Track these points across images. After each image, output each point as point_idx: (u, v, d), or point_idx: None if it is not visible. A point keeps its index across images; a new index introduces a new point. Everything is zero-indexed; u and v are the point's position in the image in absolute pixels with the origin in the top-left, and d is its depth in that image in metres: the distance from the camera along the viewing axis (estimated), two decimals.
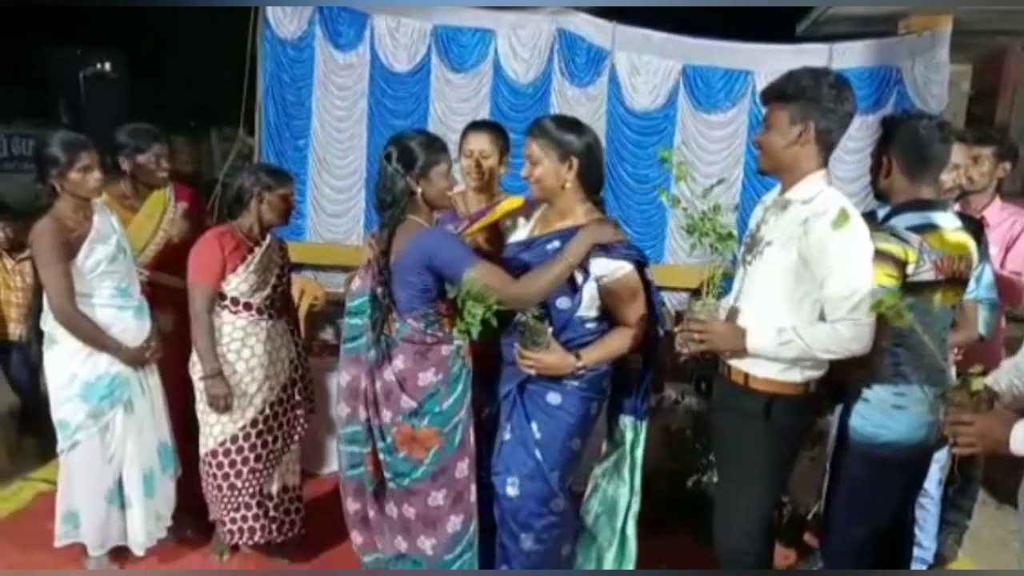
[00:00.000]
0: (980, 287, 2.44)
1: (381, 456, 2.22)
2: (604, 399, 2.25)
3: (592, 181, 2.15)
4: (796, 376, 1.94)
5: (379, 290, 2.15)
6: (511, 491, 2.15)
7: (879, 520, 2.08)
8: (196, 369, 2.60)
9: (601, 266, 2.09)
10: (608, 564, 2.28)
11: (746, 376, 1.98)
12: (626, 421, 2.28)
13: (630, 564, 2.28)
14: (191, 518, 2.89)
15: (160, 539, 2.78)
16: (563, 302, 2.12)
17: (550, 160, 2.08)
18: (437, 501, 2.14)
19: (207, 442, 2.64)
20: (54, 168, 2.44)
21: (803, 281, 1.87)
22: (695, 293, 2.61)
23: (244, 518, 2.68)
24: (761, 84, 5.60)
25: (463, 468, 2.16)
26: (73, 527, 2.67)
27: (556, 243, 2.13)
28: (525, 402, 2.17)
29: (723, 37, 5.69)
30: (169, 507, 2.80)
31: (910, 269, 1.91)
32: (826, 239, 1.81)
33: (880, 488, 2.05)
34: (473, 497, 2.17)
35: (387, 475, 2.22)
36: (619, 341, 2.16)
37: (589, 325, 2.16)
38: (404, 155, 2.10)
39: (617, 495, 2.28)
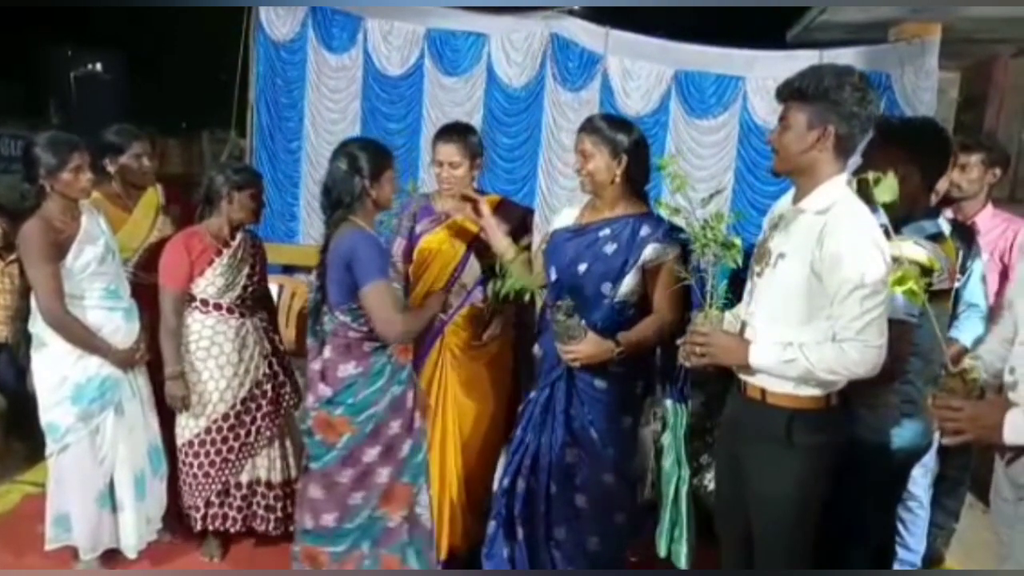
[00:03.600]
0: (968, 294, 2.45)
1: (304, 438, 2.39)
2: (647, 380, 2.37)
3: (639, 176, 2.29)
4: (816, 389, 1.82)
5: (317, 284, 2.33)
6: (571, 460, 2.30)
7: (874, 522, 2.08)
8: None
9: (651, 251, 2.21)
10: (666, 525, 2.38)
11: (763, 392, 1.86)
12: (667, 404, 2.38)
13: (683, 523, 2.36)
14: (178, 520, 2.88)
15: (151, 542, 2.77)
16: (606, 288, 2.24)
17: (602, 156, 2.22)
18: (343, 479, 2.30)
19: (183, 434, 2.71)
20: (45, 168, 2.42)
21: (815, 297, 1.75)
22: None
23: (211, 505, 2.74)
24: (752, 89, 5.65)
25: (372, 454, 2.30)
26: (64, 530, 2.65)
27: (607, 230, 2.26)
28: (576, 387, 2.29)
29: (715, 43, 5.71)
30: (160, 509, 2.80)
31: (934, 278, 1.87)
32: (841, 254, 1.70)
33: (887, 492, 2.06)
34: (381, 480, 2.32)
35: (306, 457, 2.39)
36: (655, 326, 2.23)
37: (629, 312, 2.26)
38: (357, 160, 2.23)
39: (668, 474, 2.38)
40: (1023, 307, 1.68)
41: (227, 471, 2.72)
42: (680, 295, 2.21)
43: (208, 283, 2.62)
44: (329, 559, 2.32)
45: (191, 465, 2.70)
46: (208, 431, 2.68)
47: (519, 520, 2.38)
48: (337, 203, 2.24)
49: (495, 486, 2.56)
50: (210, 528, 2.78)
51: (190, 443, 2.69)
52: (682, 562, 2.34)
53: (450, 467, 2.66)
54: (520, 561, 2.38)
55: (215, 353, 2.65)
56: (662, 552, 2.37)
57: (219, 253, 2.63)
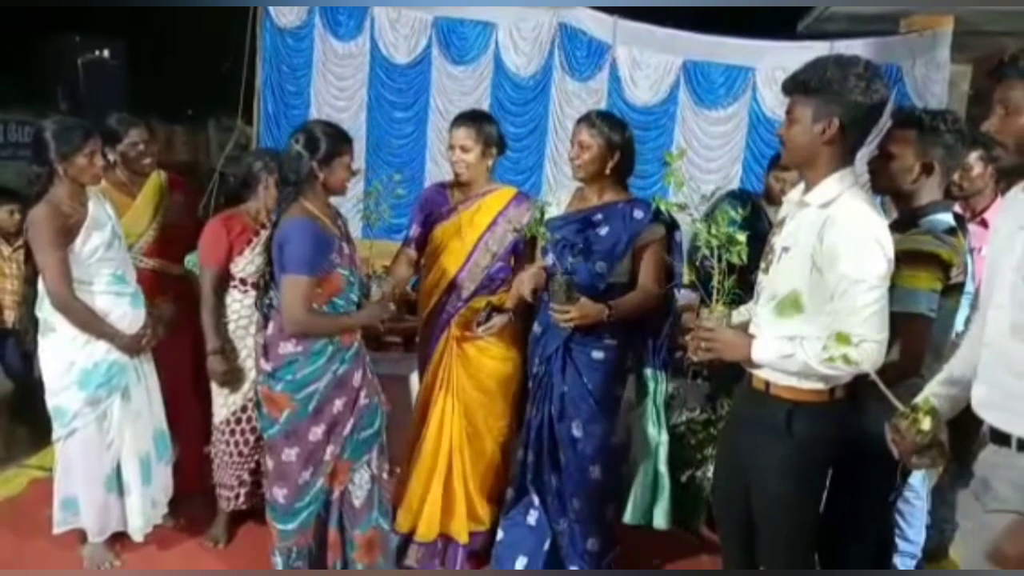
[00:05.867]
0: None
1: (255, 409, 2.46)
2: (636, 352, 2.58)
3: (627, 169, 2.53)
4: (819, 382, 1.81)
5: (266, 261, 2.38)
6: (576, 433, 2.48)
7: (876, 516, 2.09)
8: None
9: (643, 231, 2.42)
10: (644, 499, 2.57)
11: (767, 383, 1.87)
12: (648, 373, 2.59)
13: (664, 494, 2.56)
14: (184, 502, 2.92)
15: (156, 525, 2.79)
16: (601, 267, 2.42)
17: (598, 148, 2.42)
18: (290, 457, 2.31)
19: (220, 412, 2.77)
20: (58, 153, 2.42)
21: (817, 291, 1.74)
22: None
23: (243, 484, 2.79)
24: (762, 80, 5.61)
25: (317, 432, 2.30)
26: (71, 513, 2.67)
27: (599, 215, 2.46)
28: (574, 360, 2.48)
29: (724, 33, 5.67)
30: (166, 494, 2.82)
31: (953, 272, 1.87)
32: (839, 249, 1.69)
33: (890, 484, 2.06)
34: (327, 457, 2.33)
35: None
36: (641, 298, 2.43)
37: (617, 292, 2.43)
38: (311, 141, 2.23)
39: (650, 438, 2.58)
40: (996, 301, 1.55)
41: (260, 450, 2.75)
42: (663, 271, 2.44)
43: (247, 262, 2.69)
44: (279, 537, 2.35)
45: (227, 443, 2.76)
46: (244, 409, 2.75)
47: (533, 489, 2.56)
48: (284, 181, 2.26)
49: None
50: (243, 507, 2.82)
51: (227, 421, 2.76)
52: (663, 522, 2.55)
53: (454, 455, 2.67)
54: (541, 527, 2.54)
55: (253, 332, 2.70)
56: (629, 518, 2.55)
57: (257, 234, 2.70)
